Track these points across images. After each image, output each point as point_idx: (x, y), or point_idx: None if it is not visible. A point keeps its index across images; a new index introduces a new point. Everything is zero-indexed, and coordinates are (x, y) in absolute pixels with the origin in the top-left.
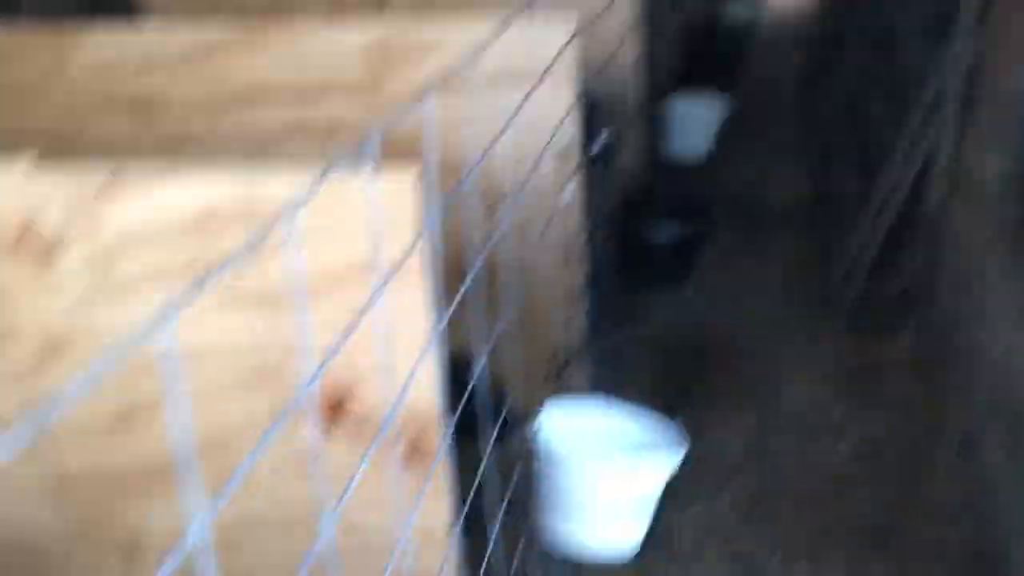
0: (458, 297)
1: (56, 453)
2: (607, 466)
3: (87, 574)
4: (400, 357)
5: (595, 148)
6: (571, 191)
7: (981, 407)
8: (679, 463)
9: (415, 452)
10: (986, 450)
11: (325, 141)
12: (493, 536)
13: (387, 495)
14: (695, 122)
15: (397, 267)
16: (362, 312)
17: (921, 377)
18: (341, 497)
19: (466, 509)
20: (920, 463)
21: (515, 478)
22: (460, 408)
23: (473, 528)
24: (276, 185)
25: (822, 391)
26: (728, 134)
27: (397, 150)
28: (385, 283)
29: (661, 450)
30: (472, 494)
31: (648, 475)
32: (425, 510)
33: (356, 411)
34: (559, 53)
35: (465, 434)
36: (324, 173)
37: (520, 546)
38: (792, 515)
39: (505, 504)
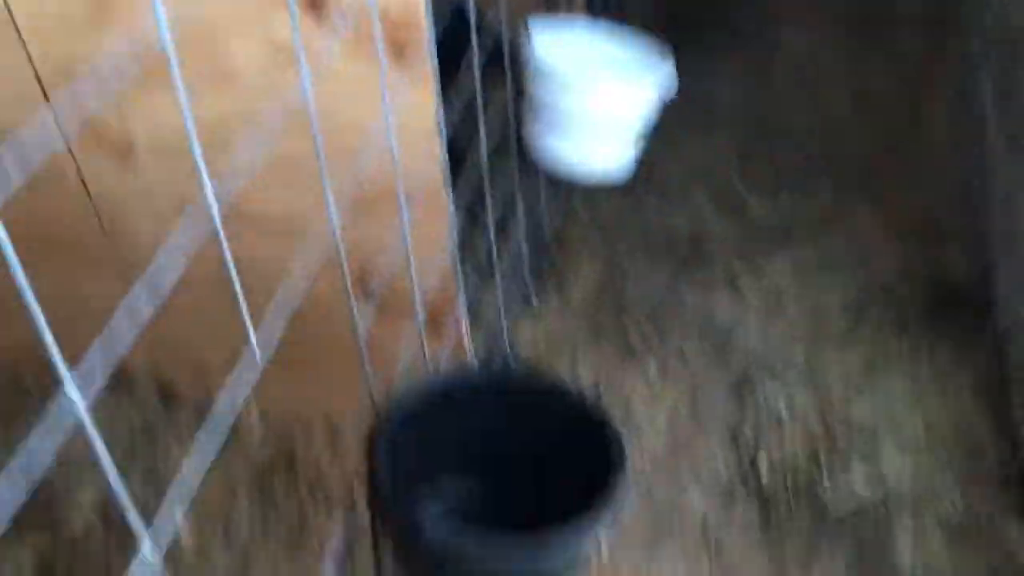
0: None
1: (38, 45)
2: (599, 83)
3: (85, 178)
4: None
5: None
6: None
7: (980, 49)
8: (670, 86)
9: (399, 49)
10: (979, 97)
11: None
12: (480, 151)
13: (372, 92)
14: None
15: None
16: None
17: (929, 28)
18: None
19: (452, 119)
20: (917, 111)
21: (504, 96)
22: (446, 29)
23: (459, 147)
24: None
25: (827, 40)
26: None
27: None
28: None
29: (652, 70)
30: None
31: (639, 92)
32: (411, 109)
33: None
34: None
35: (450, 64)
36: None
37: (510, 166)
38: (781, 155)
39: (491, 123)
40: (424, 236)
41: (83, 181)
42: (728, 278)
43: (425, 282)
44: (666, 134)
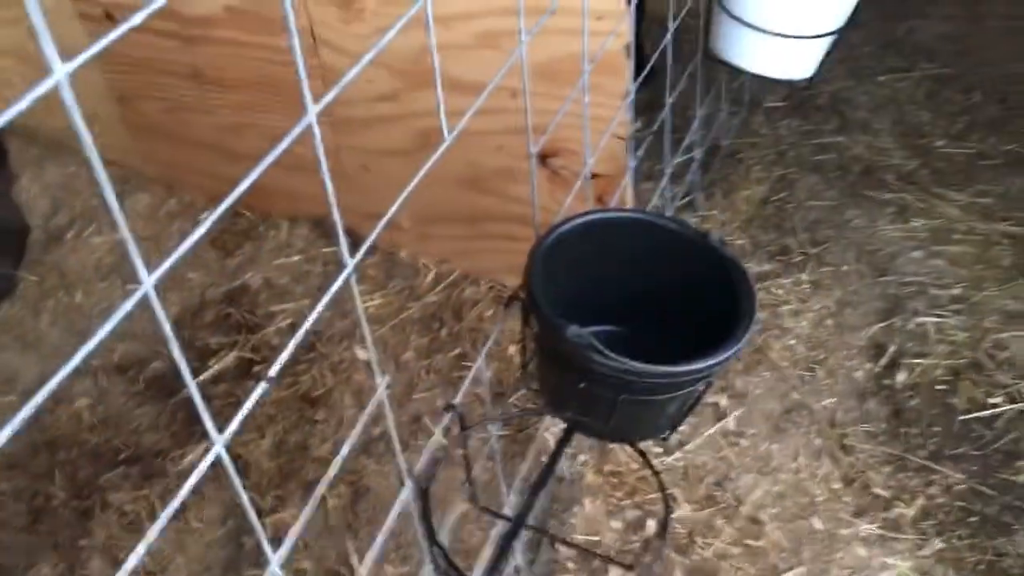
0: None
1: None
2: None
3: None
4: None
5: None
6: None
7: None
8: None
9: None
10: None
11: None
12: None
13: None
14: None
15: None
16: None
17: None
18: None
19: None
20: None
21: None
22: None
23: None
24: None
25: None
26: None
27: None
28: None
29: None
30: None
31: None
32: None
33: None
34: None
35: None
36: None
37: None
38: (976, 96)
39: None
40: (602, 116)
41: (311, 29)
42: (898, 207)
43: (597, 164)
44: (859, 66)
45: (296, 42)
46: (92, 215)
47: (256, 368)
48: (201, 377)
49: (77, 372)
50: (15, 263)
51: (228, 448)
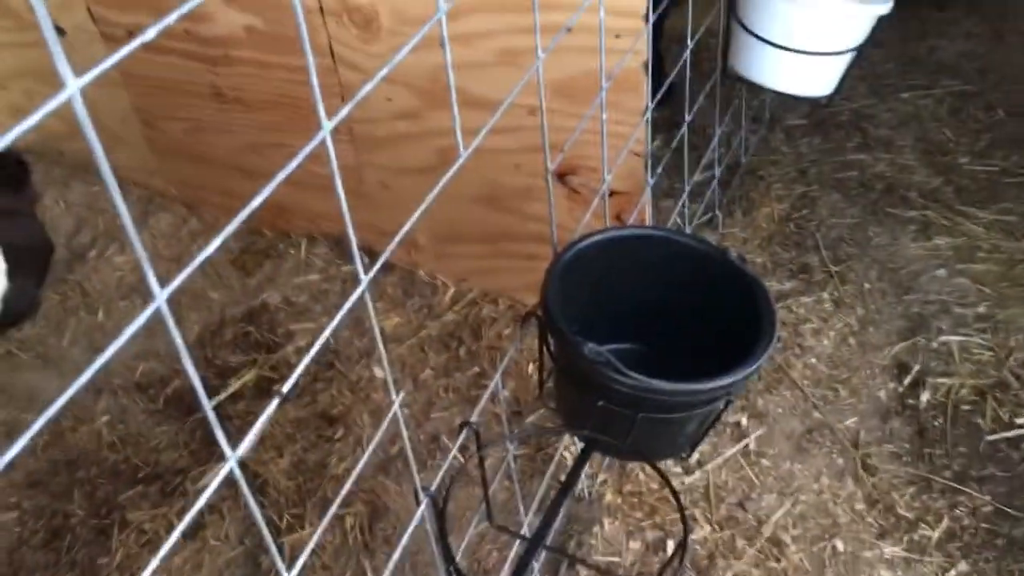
0: None
1: None
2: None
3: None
4: None
5: None
6: None
7: None
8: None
9: None
10: None
11: None
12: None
13: None
14: None
15: None
16: None
17: None
18: None
19: None
20: None
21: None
22: None
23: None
24: None
25: None
26: None
27: None
28: None
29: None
30: None
31: (856, 16)
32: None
33: None
34: None
35: None
36: None
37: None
38: (999, 114)
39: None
40: (620, 133)
41: (331, 49)
42: (921, 225)
43: (615, 181)
44: (880, 84)
45: (310, 59)
46: (115, 234)
47: (276, 387)
48: (221, 396)
49: (98, 391)
50: (38, 282)
51: (245, 465)
